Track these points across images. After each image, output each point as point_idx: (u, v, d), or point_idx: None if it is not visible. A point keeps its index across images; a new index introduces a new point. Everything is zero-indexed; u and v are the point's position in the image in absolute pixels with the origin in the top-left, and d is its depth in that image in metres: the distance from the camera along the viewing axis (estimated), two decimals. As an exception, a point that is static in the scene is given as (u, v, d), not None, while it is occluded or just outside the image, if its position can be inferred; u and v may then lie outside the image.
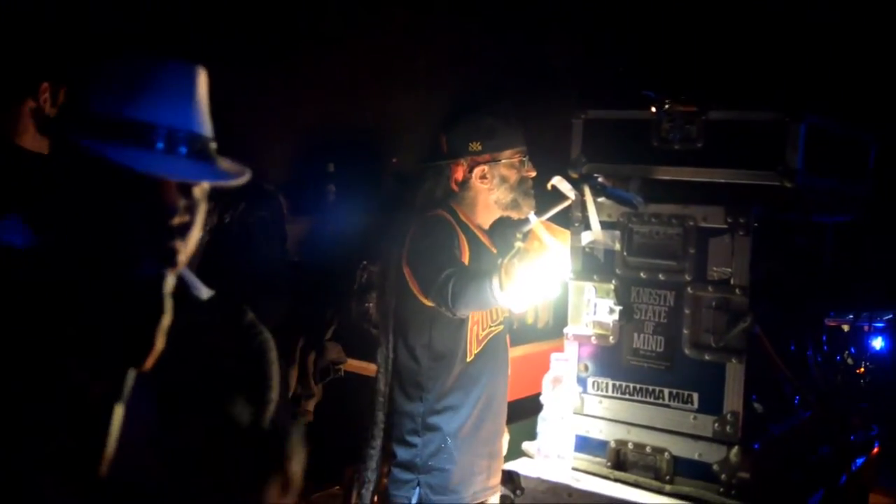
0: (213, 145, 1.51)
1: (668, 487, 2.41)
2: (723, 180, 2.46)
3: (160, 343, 1.32)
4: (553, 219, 2.85)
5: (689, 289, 2.42)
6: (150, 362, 1.33)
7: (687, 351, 2.42)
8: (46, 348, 1.32)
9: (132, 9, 3.67)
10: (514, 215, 3.24)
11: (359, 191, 5.21)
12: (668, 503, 2.37)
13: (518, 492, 2.49)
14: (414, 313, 3.10)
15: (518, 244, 2.83)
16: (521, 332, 3.70)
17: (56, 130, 1.50)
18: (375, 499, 3.22)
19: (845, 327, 3.07)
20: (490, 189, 3.24)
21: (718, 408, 2.37)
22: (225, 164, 1.54)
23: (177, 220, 1.43)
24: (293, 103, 4.93)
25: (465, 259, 3.14)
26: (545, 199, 2.85)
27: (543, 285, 2.85)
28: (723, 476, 2.35)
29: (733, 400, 2.35)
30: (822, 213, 2.77)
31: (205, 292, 1.59)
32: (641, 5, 5.19)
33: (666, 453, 2.43)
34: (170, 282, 1.35)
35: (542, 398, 2.56)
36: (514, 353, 3.48)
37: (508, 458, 3.14)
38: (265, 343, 1.64)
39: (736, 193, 2.42)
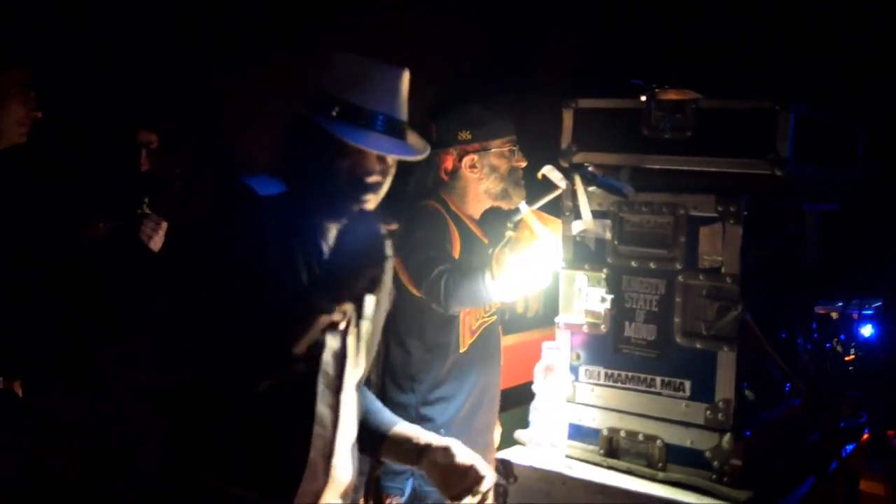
0: (406, 125, 2.11)
1: (660, 475, 2.42)
2: (713, 169, 2.46)
3: (388, 280, 1.90)
4: (544, 208, 2.85)
5: (680, 277, 2.42)
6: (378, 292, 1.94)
7: (678, 339, 2.42)
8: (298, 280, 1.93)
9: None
10: (505, 205, 3.24)
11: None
12: (660, 490, 2.38)
13: (511, 480, 2.50)
14: (405, 305, 3.10)
15: (509, 234, 2.84)
16: (511, 321, 3.70)
17: (302, 108, 2.07)
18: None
19: (834, 315, 3.08)
20: (480, 178, 3.23)
21: (710, 395, 2.37)
22: (415, 141, 2.15)
23: (371, 179, 2.04)
24: (273, 93, 4.89)
25: (457, 250, 3.14)
26: (536, 188, 2.85)
27: (534, 274, 2.86)
28: (715, 463, 2.35)
29: (725, 387, 2.36)
30: (811, 200, 2.78)
31: None
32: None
33: (658, 441, 2.44)
34: (390, 243, 1.87)
35: (534, 387, 2.56)
36: (505, 342, 3.49)
37: (501, 447, 3.14)
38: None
39: (726, 182, 2.43)
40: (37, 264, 3.13)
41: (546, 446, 2.52)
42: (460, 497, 2.29)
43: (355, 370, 2.23)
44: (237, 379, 1.99)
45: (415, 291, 3.09)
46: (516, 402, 3.47)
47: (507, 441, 2.79)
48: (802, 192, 2.63)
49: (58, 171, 3.43)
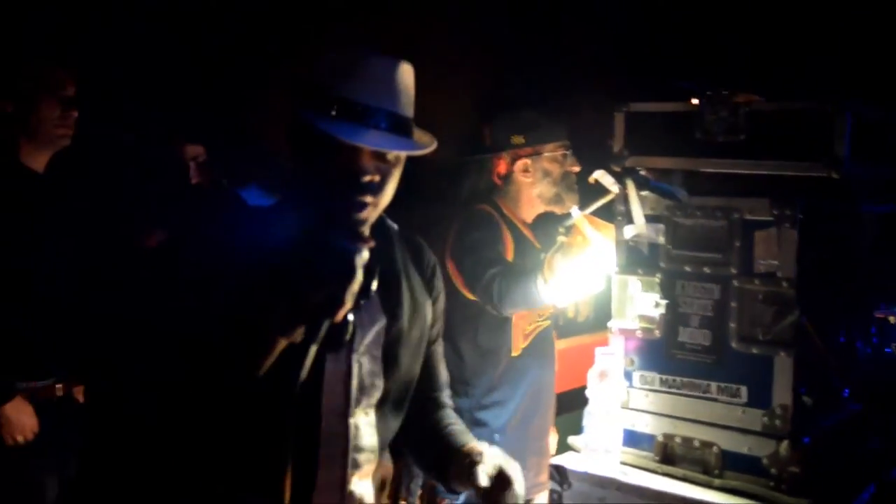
0: (409, 122, 1.94)
1: (717, 482, 2.40)
2: (767, 172, 2.43)
3: (349, 303, 1.63)
4: (596, 213, 2.84)
5: (735, 282, 2.40)
6: (340, 315, 1.64)
7: (734, 344, 2.40)
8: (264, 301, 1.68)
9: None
10: (558, 210, 3.23)
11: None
12: (716, 497, 2.35)
13: (566, 486, 2.49)
14: (457, 309, 3.10)
15: (561, 239, 2.83)
16: (562, 326, 3.69)
17: (291, 104, 1.92)
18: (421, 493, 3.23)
19: (893, 319, 3.03)
20: (533, 183, 3.23)
21: (767, 401, 2.35)
22: (422, 137, 1.97)
23: (367, 178, 1.86)
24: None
25: (510, 254, 3.14)
26: (588, 193, 2.84)
27: (587, 280, 2.85)
28: (773, 470, 2.33)
29: (782, 393, 2.33)
30: (869, 201, 2.74)
31: (395, 225, 2.10)
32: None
33: (714, 447, 2.41)
34: (364, 255, 1.64)
35: (587, 392, 2.55)
36: (557, 346, 3.48)
37: (556, 453, 3.13)
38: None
39: (781, 185, 2.40)
40: (82, 276, 3.17)
41: (600, 452, 2.51)
42: None
43: (371, 391, 2.01)
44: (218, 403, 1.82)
45: (468, 295, 3.10)
46: (567, 406, 3.46)
47: (562, 447, 2.78)
48: (859, 193, 2.59)
49: (110, 182, 3.48)
